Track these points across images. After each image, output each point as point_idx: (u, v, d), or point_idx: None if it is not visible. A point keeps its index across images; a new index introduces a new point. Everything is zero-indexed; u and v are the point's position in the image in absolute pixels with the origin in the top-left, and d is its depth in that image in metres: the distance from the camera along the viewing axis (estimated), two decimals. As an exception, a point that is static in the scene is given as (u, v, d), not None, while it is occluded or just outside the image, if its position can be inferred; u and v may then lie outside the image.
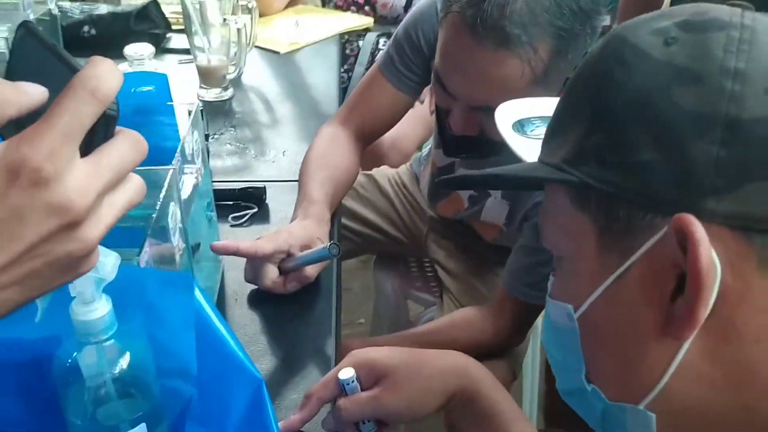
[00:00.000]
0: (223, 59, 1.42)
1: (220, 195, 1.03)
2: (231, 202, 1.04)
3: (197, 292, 0.52)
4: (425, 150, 1.45)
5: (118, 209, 0.39)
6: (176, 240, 0.66)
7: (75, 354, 0.51)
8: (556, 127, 0.48)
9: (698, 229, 0.38)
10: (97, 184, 0.37)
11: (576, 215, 0.45)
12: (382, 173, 1.50)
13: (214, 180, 1.10)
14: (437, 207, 1.32)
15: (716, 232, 0.39)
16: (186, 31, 1.41)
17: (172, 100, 0.86)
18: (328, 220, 0.98)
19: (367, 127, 1.21)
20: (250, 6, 1.50)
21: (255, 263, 0.87)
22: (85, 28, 1.62)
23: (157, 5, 1.70)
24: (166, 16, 1.73)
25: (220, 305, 0.85)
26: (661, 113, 0.41)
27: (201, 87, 1.43)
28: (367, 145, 1.25)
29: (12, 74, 0.41)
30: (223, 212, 1.01)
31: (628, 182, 0.41)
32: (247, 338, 0.80)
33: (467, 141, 1.00)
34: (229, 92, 1.44)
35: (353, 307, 2.12)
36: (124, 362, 0.52)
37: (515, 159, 0.61)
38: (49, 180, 0.34)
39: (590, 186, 0.43)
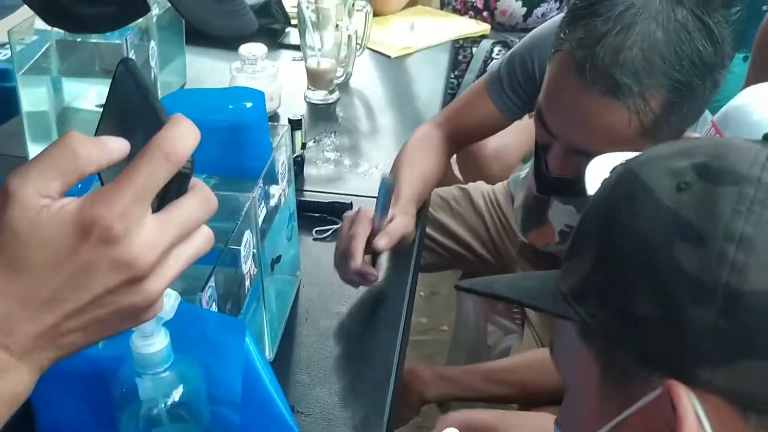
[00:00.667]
0: (333, 63, 1.44)
1: (306, 206, 1.06)
2: (317, 215, 1.06)
3: (248, 339, 0.54)
4: (524, 171, 1.42)
5: (183, 262, 0.41)
6: (247, 266, 0.69)
7: (134, 378, 0.54)
8: (571, 248, 0.46)
9: (685, 404, 0.36)
10: (163, 241, 0.38)
11: (582, 349, 0.43)
12: (477, 189, 1.48)
13: (304, 189, 1.13)
14: (528, 235, 1.28)
15: (713, 402, 0.37)
16: (299, 31, 1.44)
17: (267, 118, 0.88)
18: (413, 215, 1.00)
19: (461, 136, 1.24)
20: (365, 10, 1.51)
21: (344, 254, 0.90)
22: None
23: (279, 1, 1.74)
24: (288, 11, 1.78)
25: (291, 321, 0.88)
26: (661, 267, 0.38)
27: (308, 88, 1.46)
28: (459, 149, 1.28)
29: (108, 107, 0.43)
30: (308, 223, 1.04)
31: (626, 331, 0.39)
32: (311, 360, 0.82)
33: (562, 182, 0.97)
34: (335, 95, 1.46)
35: (439, 311, 2.12)
36: (177, 393, 0.55)
37: None
38: (118, 238, 0.36)
39: (590, 326, 0.41)
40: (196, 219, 0.40)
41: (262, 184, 0.73)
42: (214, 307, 0.60)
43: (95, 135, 0.43)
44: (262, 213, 0.74)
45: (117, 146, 0.39)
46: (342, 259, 0.90)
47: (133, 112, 0.42)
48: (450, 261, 1.45)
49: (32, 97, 1.10)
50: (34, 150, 1.11)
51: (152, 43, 1.17)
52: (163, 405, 0.55)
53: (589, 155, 0.83)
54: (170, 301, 0.51)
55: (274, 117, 1.37)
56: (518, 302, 0.52)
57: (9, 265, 0.35)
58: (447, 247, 1.41)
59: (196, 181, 0.41)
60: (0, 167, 1.13)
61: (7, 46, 1.09)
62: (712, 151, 0.40)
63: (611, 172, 0.45)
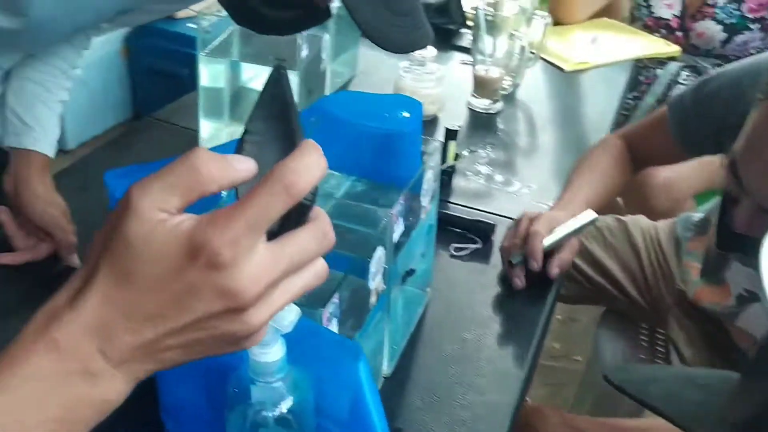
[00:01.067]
0: (502, 71, 1.40)
1: (449, 219, 1.04)
2: (458, 230, 1.03)
3: (361, 364, 0.52)
4: (697, 214, 1.30)
5: (290, 295, 0.40)
6: (375, 282, 0.68)
7: (248, 381, 0.55)
8: (753, 370, 0.38)
9: None
10: (272, 274, 0.37)
11: None
12: (636, 222, 1.38)
13: (450, 201, 1.11)
14: (696, 290, 1.17)
15: None
16: (473, 35, 1.41)
17: (421, 131, 0.87)
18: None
19: (635, 160, 1.19)
20: (544, 21, 1.45)
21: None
22: None
23: (459, 1, 1.72)
24: (466, 11, 1.76)
25: (414, 337, 0.86)
26: None
27: (473, 94, 1.43)
28: (639, 169, 1.23)
29: (257, 109, 0.43)
30: (447, 238, 1.01)
31: None
32: (428, 382, 0.80)
33: (748, 240, 0.86)
34: (499, 105, 1.42)
35: (575, 339, 2.02)
36: (287, 403, 0.55)
37: None
38: (225, 265, 0.35)
39: None
40: (310, 253, 0.39)
41: (403, 201, 0.71)
42: (335, 323, 0.60)
43: (244, 131, 0.43)
44: (399, 229, 0.72)
45: (242, 167, 0.38)
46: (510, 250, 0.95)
47: (274, 122, 0.42)
48: (593, 295, 1.36)
49: (210, 75, 1.16)
50: (205, 124, 1.18)
51: (326, 36, 1.19)
52: (271, 412, 0.55)
53: None
54: (290, 316, 0.50)
55: (434, 120, 1.36)
56: (670, 421, 0.45)
57: (119, 275, 0.35)
58: (593, 280, 1.33)
59: (317, 212, 0.40)
60: (172, 138, 1.22)
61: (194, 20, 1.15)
62: None
63: None
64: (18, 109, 0.93)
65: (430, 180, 0.79)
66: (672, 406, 0.43)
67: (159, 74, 2.61)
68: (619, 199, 1.75)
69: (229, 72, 1.17)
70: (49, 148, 0.94)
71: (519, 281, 0.94)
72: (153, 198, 0.35)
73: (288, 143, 0.40)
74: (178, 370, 0.62)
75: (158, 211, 0.35)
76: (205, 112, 1.17)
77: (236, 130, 1.20)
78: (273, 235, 0.39)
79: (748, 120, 0.85)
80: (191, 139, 1.18)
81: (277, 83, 0.42)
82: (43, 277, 0.89)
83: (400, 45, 0.71)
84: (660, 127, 1.13)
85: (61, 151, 2.58)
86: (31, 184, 0.90)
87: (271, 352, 0.53)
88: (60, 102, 0.97)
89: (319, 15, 0.75)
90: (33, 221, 0.88)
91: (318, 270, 0.41)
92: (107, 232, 0.37)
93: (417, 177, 0.76)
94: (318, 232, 0.39)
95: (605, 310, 1.44)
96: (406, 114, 0.86)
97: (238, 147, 0.44)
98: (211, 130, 1.19)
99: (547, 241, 0.94)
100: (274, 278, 0.37)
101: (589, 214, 0.98)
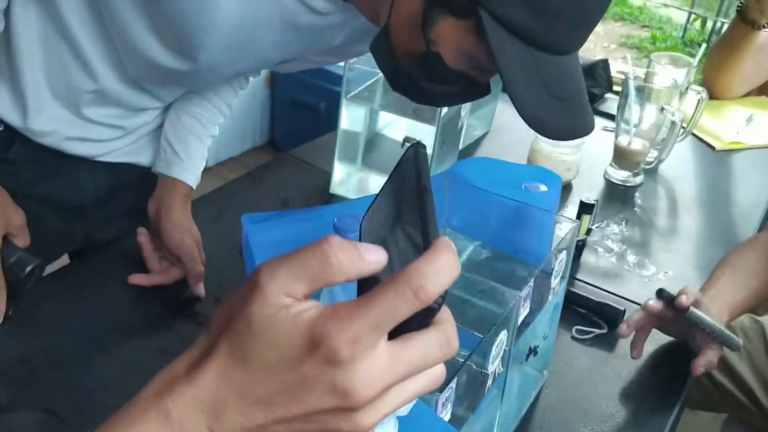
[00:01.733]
0: (646, 144, 1.33)
1: (574, 298, 0.98)
2: (582, 311, 0.98)
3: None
4: None
5: (404, 398, 0.37)
6: (494, 366, 0.64)
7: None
8: None
9: None
10: (388, 378, 0.36)
11: None
12: (775, 325, 1.26)
13: (576, 277, 1.06)
14: None
15: None
16: (619, 103, 1.35)
17: (557, 207, 0.83)
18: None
19: None
20: (699, 96, 1.37)
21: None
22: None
23: (606, 65, 1.67)
24: (613, 76, 1.70)
25: (525, 422, 0.81)
26: None
27: (611, 164, 1.37)
28: None
29: (387, 187, 0.41)
30: (570, 317, 0.96)
31: None
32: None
33: None
34: (639, 179, 1.35)
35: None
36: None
37: None
38: (342, 363, 0.34)
39: None
40: (431, 359, 0.37)
41: (533, 283, 0.68)
42: (449, 408, 0.57)
43: (369, 209, 0.41)
44: (525, 311, 0.69)
45: (373, 258, 0.36)
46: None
47: (405, 207, 0.40)
48: (718, 400, 1.24)
49: (351, 118, 1.18)
50: (339, 167, 1.20)
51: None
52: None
53: None
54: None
55: (568, 187, 1.31)
56: None
57: (237, 354, 0.35)
58: (719, 383, 1.22)
59: (444, 315, 0.37)
60: (306, 177, 1.24)
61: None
62: None
63: None
64: (172, 138, 0.98)
65: (562, 261, 0.76)
66: None
67: (299, 105, 2.72)
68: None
69: (368, 118, 1.18)
70: (193, 180, 0.98)
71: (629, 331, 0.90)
72: (281, 283, 0.35)
73: (418, 233, 0.37)
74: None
75: (284, 296, 0.35)
76: (340, 155, 1.19)
77: (366, 177, 1.21)
78: (393, 333, 0.36)
79: None
80: (324, 181, 1.20)
81: (413, 163, 0.40)
82: (170, 301, 0.92)
83: (561, 132, 0.68)
84: None
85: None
86: (173, 212, 0.94)
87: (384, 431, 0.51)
88: (210, 137, 1.02)
89: (478, 91, 0.74)
90: (168, 247, 0.92)
91: (436, 375, 0.38)
92: (232, 307, 0.36)
93: (549, 257, 0.72)
94: (443, 338, 0.37)
95: (728, 417, 1.32)
96: (543, 188, 0.83)
97: (365, 221, 0.42)
98: (343, 173, 1.21)
99: (699, 312, 0.88)
100: (391, 381, 0.36)
101: (738, 343, 0.91)
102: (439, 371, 0.38)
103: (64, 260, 1.08)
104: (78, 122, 0.91)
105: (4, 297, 0.83)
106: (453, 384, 0.56)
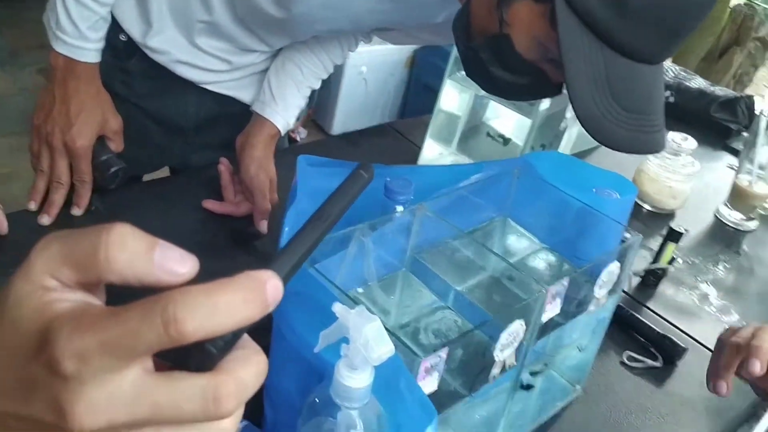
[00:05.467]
0: (766, 190, 1.22)
1: (634, 323, 0.93)
2: (641, 338, 0.92)
3: (430, 431, 0.48)
4: None
5: None
6: (503, 354, 0.62)
7: (329, 399, 0.54)
8: None
9: None
10: (121, 415, 0.29)
11: None
12: None
13: (646, 304, 0.99)
14: None
15: None
16: (746, 141, 1.25)
17: (627, 218, 0.79)
18: None
19: None
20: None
21: None
22: (668, 92, 1.59)
23: (750, 101, 1.54)
24: (757, 113, 1.57)
25: (543, 430, 0.78)
26: None
27: (725, 203, 1.26)
28: None
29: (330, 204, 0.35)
30: (624, 341, 0.91)
31: None
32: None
33: None
34: (753, 225, 1.24)
35: None
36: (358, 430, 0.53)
37: None
38: (66, 378, 0.28)
39: None
40: (185, 410, 0.29)
41: (567, 283, 0.65)
42: (435, 377, 0.56)
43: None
44: (553, 310, 0.66)
45: (169, 268, 0.29)
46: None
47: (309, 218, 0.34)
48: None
49: (452, 100, 1.17)
50: (431, 145, 1.20)
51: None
52: (341, 434, 0.54)
53: None
54: (380, 350, 0.49)
55: (670, 215, 1.23)
56: None
57: None
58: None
59: (231, 366, 0.30)
60: (396, 148, 1.25)
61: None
62: None
63: None
64: (273, 81, 1.02)
65: (613, 272, 0.71)
66: None
67: (430, 90, 2.73)
68: None
69: (470, 103, 1.17)
70: (282, 124, 1.02)
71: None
72: (48, 261, 0.30)
73: (275, 254, 0.32)
74: (282, 359, 0.63)
75: (49, 276, 0.29)
76: (434, 133, 1.19)
77: (459, 161, 1.20)
78: (163, 365, 0.30)
79: None
80: (414, 155, 1.20)
81: (347, 183, 0.36)
82: (235, 232, 0.97)
83: (618, 142, 0.64)
84: None
85: (324, 132, 2.82)
86: (256, 149, 0.98)
87: (356, 378, 0.51)
88: (309, 88, 1.05)
89: (547, 89, 0.71)
90: (243, 180, 0.97)
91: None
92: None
93: (596, 263, 0.69)
94: (211, 392, 0.29)
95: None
96: (615, 195, 0.79)
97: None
98: (434, 152, 1.20)
99: None
100: (125, 420, 0.29)
101: None
102: (219, 430, 0.30)
103: (165, 172, 1.17)
104: (190, 48, 0.97)
105: (89, 190, 0.91)
106: (442, 353, 0.54)
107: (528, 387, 0.74)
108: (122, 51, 0.97)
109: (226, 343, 0.29)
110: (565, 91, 0.69)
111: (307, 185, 0.72)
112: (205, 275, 0.31)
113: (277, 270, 0.30)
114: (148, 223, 0.28)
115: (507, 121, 1.18)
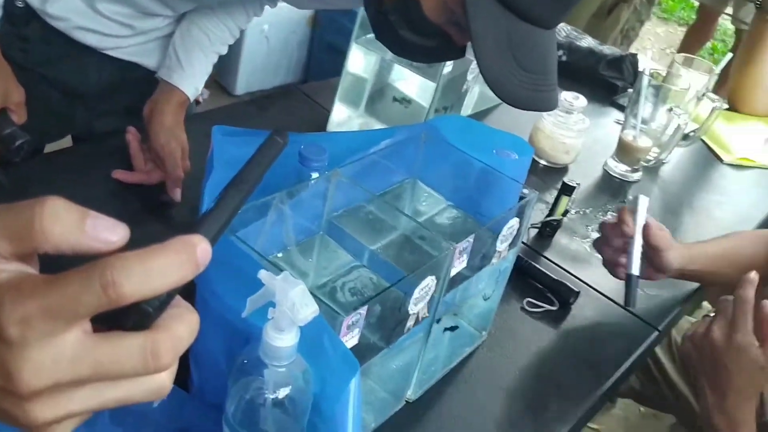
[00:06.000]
0: (650, 143, 1.33)
1: (534, 273, 1.01)
2: (539, 285, 1.00)
3: (353, 382, 0.53)
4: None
5: (98, 402, 0.32)
6: (416, 308, 0.67)
7: (258, 360, 0.58)
8: None
9: None
10: (65, 373, 0.30)
11: None
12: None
13: (544, 254, 1.08)
14: None
15: None
16: (631, 98, 1.35)
17: (525, 177, 0.85)
18: (677, 267, 0.97)
19: None
20: (714, 105, 1.35)
21: None
22: (560, 52, 1.67)
23: (635, 60, 1.65)
24: (640, 70, 1.68)
25: (453, 373, 0.84)
26: None
27: (612, 157, 1.37)
28: None
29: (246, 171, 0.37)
30: (525, 290, 0.99)
31: None
32: (444, 425, 0.78)
33: None
34: (637, 176, 1.35)
35: (649, 436, 1.90)
36: (286, 389, 0.57)
37: None
38: (11, 343, 0.30)
39: None
40: (126, 366, 0.31)
41: (472, 240, 0.70)
42: (355, 333, 0.60)
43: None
44: (460, 265, 0.72)
45: (103, 237, 0.31)
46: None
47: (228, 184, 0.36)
48: (668, 402, 1.27)
49: (358, 62, 1.19)
50: (340, 108, 1.22)
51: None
52: (270, 393, 0.57)
53: None
54: (306, 312, 0.52)
55: (563, 170, 1.32)
56: None
57: None
58: (674, 384, 1.24)
59: (167, 323, 0.32)
60: (306, 113, 1.27)
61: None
62: None
63: None
64: (179, 47, 1.02)
65: (513, 228, 0.78)
66: None
67: (334, 49, 2.72)
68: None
69: (377, 66, 1.20)
70: (192, 90, 1.01)
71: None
72: None
73: (197, 220, 0.34)
74: (206, 324, 0.66)
75: None
76: (342, 96, 1.22)
77: (367, 123, 1.23)
78: (99, 327, 0.32)
79: None
80: (323, 119, 1.23)
81: (261, 151, 0.37)
82: (148, 201, 0.97)
83: (519, 100, 0.70)
84: None
85: (228, 94, 2.78)
86: (165, 116, 0.98)
87: (283, 339, 0.55)
88: (216, 54, 1.05)
89: (452, 52, 0.75)
90: (154, 148, 0.96)
91: (152, 387, 0.32)
92: None
93: (498, 220, 0.75)
94: (149, 347, 0.31)
95: (675, 423, 1.34)
96: (514, 156, 0.85)
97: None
98: (343, 115, 1.23)
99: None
100: (69, 378, 0.31)
101: (643, 201, 0.94)
102: (157, 384, 0.32)
103: (67, 141, 1.14)
104: (90, 14, 0.95)
105: (-7, 166, 0.88)
106: (362, 311, 0.59)
107: (453, 328, 0.80)
108: (19, 17, 0.93)
109: (161, 303, 0.31)
110: (468, 55, 0.73)
111: (224, 155, 0.74)
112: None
113: (204, 234, 0.33)
114: (59, 194, 0.30)
115: (412, 83, 1.22)
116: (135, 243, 0.30)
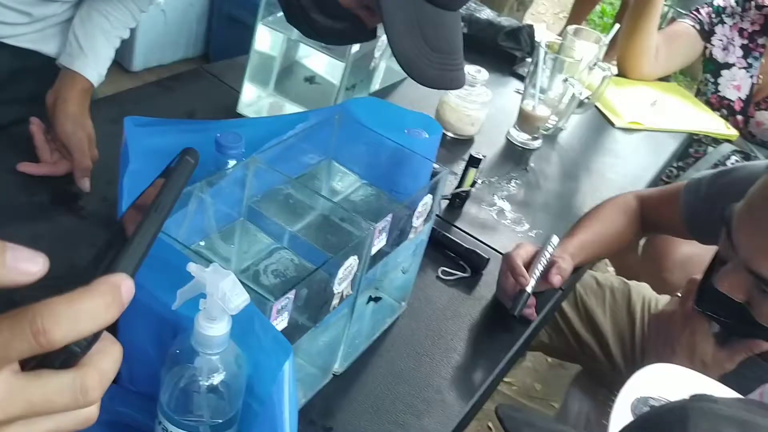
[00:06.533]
0: (548, 112, 1.40)
1: (447, 243, 1.06)
2: (452, 254, 1.05)
3: (287, 364, 0.56)
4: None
5: None
6: (341, 287, 0.70)
7: (190, 349, 0.59)
8: None
9: None
10: None
11: None
12: (640, 290, 1.38)
13: (455, 224, 1.13)
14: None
15: None
16: (529, 69, 1.41)
17: (435, 155, 0.89)
18: (570, 253, 1.04)
19: (646, 224, 1.20)
20: (605, 73, 1.44)
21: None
22: (462, 24, 1.71)
23: (531, 30, 1.72)
24: (538, 41, 1.76)
25: (376, 345, 0.89)
26: None
27: (514, 126, 1.44)
28: (647, 232, 1.24)
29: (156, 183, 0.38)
30: (439, 259, 1.04)
31: None
32: (372, 392, 0.82)
33: (725, 303, 0.87)
34: (537, 143, 1.43)
35: (557, 385, 2.03)
36: (220, 375, 0.59)
37: None
38: None
39: None
40: (56, 403, 0.32)
41: (390, 219, 0.74)
42: (285, 316, 0.63)
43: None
44: (380, 243, 0.75)
45: (22, 268, 0.31)
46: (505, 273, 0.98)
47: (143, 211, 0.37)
48: (575, 352, 1.37)
49: (266, 41, 1.19)
50: (249, 88, 1.22)
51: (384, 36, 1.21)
52: (204, 380, 0.59)
53: (766, 284, 0.82)
54: (237, 301, 0.54)
55: (469, 141, 1.38)
56: None
57: None
58: (580, 336, 1.34)
59: (93, 360, 0.34)
60: (215, 94, 1.26)
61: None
62: None
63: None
64: (79, 33, 0.98)
65: (427, 204, 0.82)
66: None
67: (236, 21, 2.67)
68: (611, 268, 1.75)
69: (284, 45, 1.20)
70: (95, 76, 0.99)
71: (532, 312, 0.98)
72: None
73: (111, 258, 0.35)
74: (134, 317, 0.67)
75: None
76: (251, 76, 1.21)
77: (278, 103, 1.24)
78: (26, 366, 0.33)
79: (753, 186, 0.86)
80: (233, 100, 1.22)
81: (176, 172, 0.39)
82: (56, 193, 0.94)
83: (429, 80, 0.73)
84: (673, 203, 1.14)
85: (126, 70, 2.67)
86: (69, 104, 0.95)
87: (215, 328, 0.57)
88: (119, 38, 1.02)
89: (363, 34, 0.78)
90: (60, 138, 0.94)
91: (78, 419, 0.34)
92: None
93: (413, 198, 0.78)
94: (78, 385, 0.33)
95: (582, 371, 1.45)
96: (424, 134, 0.88)
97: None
98: (253, 95, 1.23)
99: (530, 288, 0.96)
100: (1, 419, 0.32)
101: (554, 240, 1.02)
102: (84, 416, 0.34)
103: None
104: (-19, 2, 0.90)
105: None
106: (290, 295, 0.61)
107: (376, 299, 0.84)
108: None
109: (88, 343, 0.33)
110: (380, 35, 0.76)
111: (138, 146, 0.73)
112: (28, 239, 0.34)
113: (126, 269, 0.35)
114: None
115: (320, 61, 1.23)
116: (46, 236, 0.32)
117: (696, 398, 0.41)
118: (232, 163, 0.78)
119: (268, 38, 1.19)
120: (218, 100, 1.23)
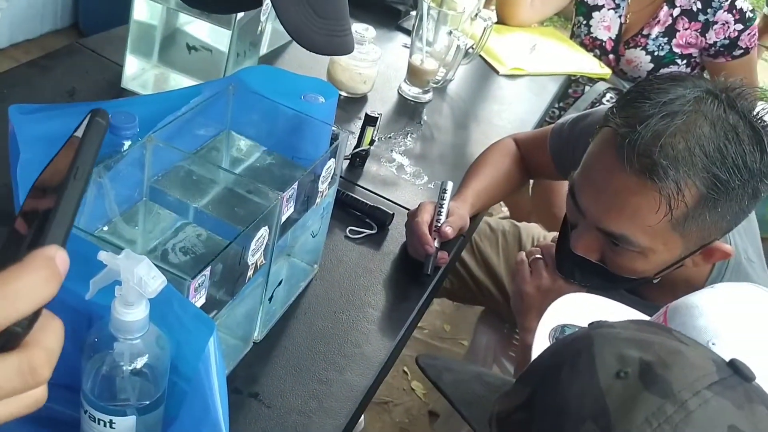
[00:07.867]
0: (436, 65, 1.44)
1: (351, 202, 1.08)
2: (357, 213, 1.08)
3: (212, 340, 0.57)
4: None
5: None
6: (254, 258, 0.72)
7: (109, 336, 0.59)
8: (520, 376, 0.47)
9: None
10: None
11: None
12: (529, 230, 1.47)
13: (357, 183, 1.15)
14: None
15: None
16: (414, 24, 1.44)
17: (333, 119, 0.90)
18: (469, 203, 1.11)
19: (528, 167, 1.26)
20: (487, 23, 1.49)
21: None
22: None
23: (413, -17, 1.74)
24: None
25: (292, 309, 0.91)
26: None
27: (405, 81, 1.46)
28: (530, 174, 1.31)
29: (64, 146, 0.37)
30: (346, 219, 1.06)
31: None
32: (293, 354, 0.85)
33: (583, 265, 0.94)
34: (428, 96, 1.46)
35: (465, 324, 2.13)
36: (143, 359, 0.59)
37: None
38: None
39: None
40: (5, 389, 0.32)
41: (297, 186, 0.75)
42: (203, 294, 0.63)
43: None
44: (289, 210, 0.76)
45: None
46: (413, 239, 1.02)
47: (58, 177, 0.35)
48: (476, 295, 1.44)
49: (144, 10, 1.14)
50: (132, 61, 1.18)
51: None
52: (127, 365, 0.59)
53: (615, 239, 0.86)
54: (154, 284, 0.54)
55: (362, 99, 1.39)
56: (450, 403, 0.53)
57: None
58: (478, 279, 1.41)
59: (37, 338, 0.33)
60: (97, 70, 1.21)
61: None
62: (664, 354, 0.41)
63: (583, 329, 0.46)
64: None
65: (331, 168, 0.83)
66: (456, 392, 0.51)
67: (105, -12, 2.52)
68: (505, 209, 1.84)
69: (164, 14, 1.16)
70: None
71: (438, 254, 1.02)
72: None
73: (38, 229, 0.34)
74: (47, 307, 0.65)
75: None
76: (133, 48, 1.17)
77: (163, 73, 1.20)
78: None
79: (588, 148, 0.92)
80: (116, 74, 1.17)
81: (87, 136, 0.37)
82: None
83: (318, 47, 0.74)
84: (543, 146, 1.20)
85: (-13, 47, 2.48)
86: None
87: (133, 313, 0.57)
88: None
89: (249, 2, 0.77)
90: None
91: (28, 402, 0.33)
92: None
93: (318, 163, 0.80)
94: (25, 365, 0.32)
95: (485, 310, 1.53)
96: (321, 99, 0.89)
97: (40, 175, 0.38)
98: (137, 68, 1.19)
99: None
100: None
101: (448, 185, 1.07)
102: (34, 397, 0.34)
103: None
104: None
105: None
106: (206, 272, 0.62)
107: (279, 282, 0.85)
108: None
109: (29, 321, 0.32)
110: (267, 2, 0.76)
111: (26, 134, 0.70)
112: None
113: (56, 240, 0.33)
114: None
115: (203, 29, 1.20)
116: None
117: (595, 325, 0.46)
118: (127, 143, 0.76)
119: (146, 8, 1.14)
120: (100, 75, 1.18)
